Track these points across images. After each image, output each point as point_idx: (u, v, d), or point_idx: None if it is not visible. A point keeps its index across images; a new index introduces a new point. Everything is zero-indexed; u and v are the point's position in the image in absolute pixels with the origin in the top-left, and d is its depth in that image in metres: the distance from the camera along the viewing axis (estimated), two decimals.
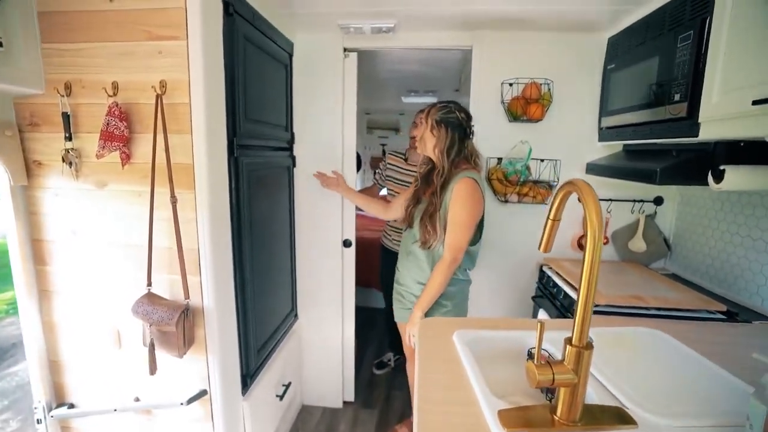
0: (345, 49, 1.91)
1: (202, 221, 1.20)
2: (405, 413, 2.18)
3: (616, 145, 1.82)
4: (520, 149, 1.86)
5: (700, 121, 1.14)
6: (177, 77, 1.13)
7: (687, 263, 1.76)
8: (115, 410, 1.32)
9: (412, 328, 1.43)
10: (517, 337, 1.12)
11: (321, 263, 2.09)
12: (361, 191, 2.58)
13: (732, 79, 1.02)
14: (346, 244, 2.07)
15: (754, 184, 1.13)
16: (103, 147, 1.11)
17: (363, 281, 2.88)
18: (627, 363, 0.97)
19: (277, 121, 1.74)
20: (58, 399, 1.39)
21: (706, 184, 1.22)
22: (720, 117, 1.07)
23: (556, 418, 0.74)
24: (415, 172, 2.15)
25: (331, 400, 2.24)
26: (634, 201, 1.88)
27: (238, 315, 1.42)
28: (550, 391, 0.90)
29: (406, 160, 2.21)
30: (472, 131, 1.47)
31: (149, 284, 1.22)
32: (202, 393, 1.31)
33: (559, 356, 1.00)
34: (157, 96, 1.12)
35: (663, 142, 1.41)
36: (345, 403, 2.27)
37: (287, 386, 1.86)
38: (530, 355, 1.02)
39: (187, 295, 1.21)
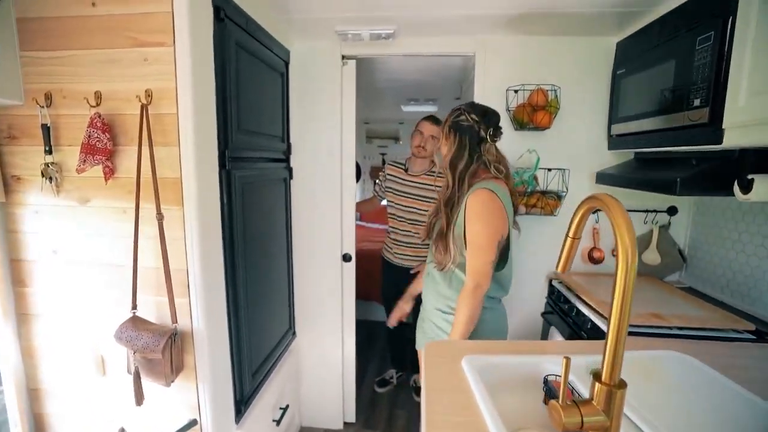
0: (343, 57, 1.85)
1: (191, 239, 1.12)
2: None
3: (626, 154, 1.74)
4: (527, 159, 1.79)
5: (723, 127, 1.06)
6: (164, 86, 1.06)
7: (705, 276, 1.67)
8: None
9: None
10: (531, 363, 1.03)
11: (320, 279, 2.00)
12: (361, 203, 2.51)
13: (761, 80, 0.95)
14: (346, 258, 1.99)
15: None
16: (84, 161, 1.04)
17: (363, 294, 2.80)
18: (658, 396, 0.88)
19: (272, 132, 1.67)
20: (38, 431, 1.29)
21: (731, 194, 1.14)
22: (746, 122, 1.00)
23: None
24: (416, 183, 2.08)
25: (331, 421, 2.14)
26: (647, 211, 1.80)
27: (231, 338, 1.33)
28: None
29: (406, 170, 2.14)
30: (493, 133, 1.23)
31: (134, 307, 1.13)
32: (192, 423, 1.21)
33: (579, 384, 0.91)
34: (143, 106, 1.04)
35: (679, 150, 1.33)
36: (346, 424, 2.17)
37: (285, 409, 1.76)
38: (546, 383, 0.93)
39: (174, 319, 1.12)
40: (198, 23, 1.08)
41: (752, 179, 1.04)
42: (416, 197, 2.08)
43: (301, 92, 1.86)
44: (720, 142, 1.08)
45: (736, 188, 1.10)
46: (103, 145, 1.05)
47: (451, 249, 1.21)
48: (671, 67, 1.29)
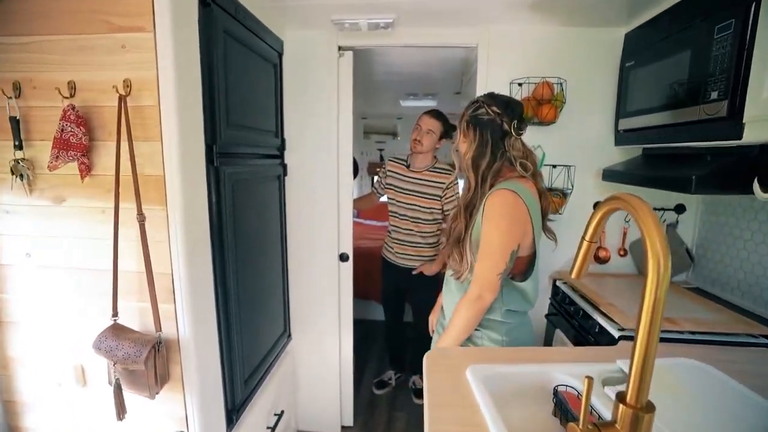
0: (339, 48, 1.76)
1: (176, 241, 1.04)
2: None
3: (634, 150, 1.68)
4: None
5: (744, 121, 1.00)
6: (143, 75, 0.97)
7: (714, 277, 1.61)
8: None
9: None
10: (539, 372, 0.97)
11: (316, 280, 1.93)
12: (357, 200, 2.42)
13: None
14: (343, 258, 1.91)
15: None
16: (57, 157, 0.95)
17: (361, 292, 2.73)
18: (674, 408, 0.82)
19: (265, 126, 1.59)
20: None
21: (749, 192, 1.08)
22: None
23: None
24: (418, 179, 2.00)
25: (328, 425, 2.08)
26: (654, 209, 1.73)
27: (221, 344, 1.26)
28: None
29: (408, 166, 2.06)
30: (517, 126, 1.11)
31: (115, 314, 1.05)
32: None
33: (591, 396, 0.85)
34: (121, 97, 0.96)
35: (691, 146, 1.27)
36: (344, 428, 2.11)
37: (280, 415, 1.70)
38: (556, 395, 0.87)
39: (158, 327, 1.05)
40: (180, 7, 0.99)
41: None
42: (418, 194, 2.00)
43: (295, 85, 1.78)
44: (740, 137, 1.01)
45: (756, 186, 1.04)
46: (77, 140, 0.97)
47: (468, 257, 1.09)
48: (685, 58, 1.22)
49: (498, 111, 1.10)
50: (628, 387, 0.58)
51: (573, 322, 1.53)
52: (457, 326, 1.10)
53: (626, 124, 1.58)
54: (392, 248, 2.12)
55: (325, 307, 1.97)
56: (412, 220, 2.02)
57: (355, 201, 2.32)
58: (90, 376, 1.15)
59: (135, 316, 1.09)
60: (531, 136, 1.73)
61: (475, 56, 1.78)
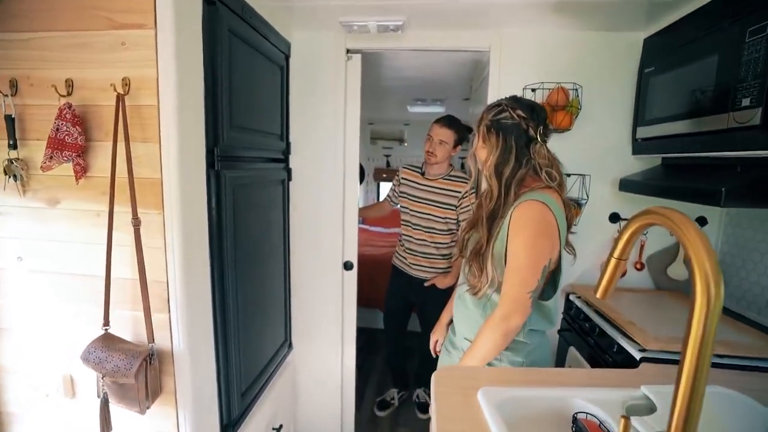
0: (348, 50, 1.72)
1: (172, 247, 0.99)
2: None
3: (652, 159, 1.61)
4: None
5: None
6: (143, 74, 0.93)
7: (738, 295, 1.52)
8: None
9: None
10: (557, 397, 0.89)
11: (319, 288, 1.87)
12: (365, 208, 2.32)
13: None
14: (347, 266, 1.85)
15: None
16: (51, 157, 0.91)
17: (364, 301, 2.66)
18: None
19: (270, 129, 1.54)
20: None
21: None
22: None
23: None
24: (433, 187, 1.91)
25: None
26: None
27: (218, 356, 1.20)
28: None
29: (423, 174, 1.97)
30: (543, 131, 1.04)
31: (106, 323, 1.00)
32: None
33: (611, 423, 0.78)
34: (119, 96, 0.92)
35: (715, 156, 1.20)
36: None
37: (278, 429, 1.63)
38: (575, 422, 0.80)
39: (151, 338, 1.00)
40: (184, 4, 0.95)
41: None
42: (433, 203, 1.91)
43: (301, 88, 1.74)
44: None
45: None
46: (73, 140, 0.93)
47: (489, 270, 1.01)
48: (712, 64, 1.15)
49: (523, 115, 1.02)
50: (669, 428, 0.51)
51: (588, 339, 1.45)
52: (480, 350, 1.01)
53: (645, 132, 1.52)
54: (406, 259, 2.02)
55: (327, 317, 1.90)
56: (425, 230, 1.93)
57: (364, 209, 2.25)
58: (79, 388, 1.10)
59: (127, 325, 1.03)
60: None
61: (486, 61, 1.73)
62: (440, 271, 1.96)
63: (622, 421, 0.51)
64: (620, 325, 1.29)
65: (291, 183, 1.77)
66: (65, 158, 0.93)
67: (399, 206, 2.07)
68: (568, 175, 1.66)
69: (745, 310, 1.48)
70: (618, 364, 1.24)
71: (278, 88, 1.61)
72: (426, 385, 2.41)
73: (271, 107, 1.55)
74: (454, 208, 1.88)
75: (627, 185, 1.57)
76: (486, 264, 1.01)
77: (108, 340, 0.98)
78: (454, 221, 1.90)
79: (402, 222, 2.03)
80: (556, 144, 1.64)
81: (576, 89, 1.60)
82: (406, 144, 4.94)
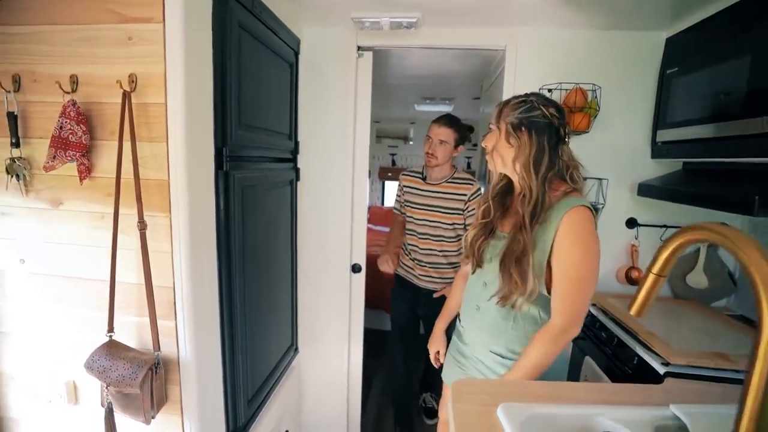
0: (359, 48, 1.68)
1: (179, 252, 0.95)
2: None
3: (672, 164, 1.56)
4: None
5: None
6: (150, 70, 0.89)
7: None
8: None
9: None
10: (581, 415, 0.85)
11: (326, 291, 1.84)
12: (391, 233, 2.10)
13: None
14: (356, 269, 1.81)
15: None
16: (54, 157, 0.87)
17: (369, 302, 2.61)
18: None
19: (278, 128, 1.50)
20: None
21: None
22: None
23: None
24: (436, 192, 1.80)
25: None
26: None
27: (225, 363, 1.16)
28: None
29: (424, 179, 1.85)
30: (567, 133, 1.01)
31: (110, 330, 0.96)
32: None
33: None
34: (125, 93, 0.88)
35: (742, 162, 1.15)
36: None
37: None
38: None
39: (157, 346, 0.96)
40: None
41: None
42: (438, 209, 1.78)
43: (310, 86, 1.69)
44: None
45: None
46: (77, 139, 0.89)
47: (530, 279, 0.95)
48: (744, 65, 1.10)
49: (556, 114, 0.98)
50: None
51: (605, 349, 1.40)
52: (535, 363, 0.98)
53: (665, 135, 1.47)
54: (413, 269, 1.88)
55: (334, 320, 1.87)
56: (433, 238, 1.81)
57: (391, 234, 2.07)
58: (82, 394, 1.06)
59: (132, 331, 1.00)
60: None
61: (499, 59, 1.68)
62: (449, 281, 1.83)
63: None
64: (640, 336, 1.24)
65: (299, 183, 1.73)
66: (69, 158, 0.89)
67: (406, 216, 1.92)
68: (585, 179, 1.61)
69: None
70: (638, 377, 1.19)
71: (287, 86, 1.56)
72: (432, 390, 2.36)
73: (279, 105, 1.50)
74: (461, 213, 1.77)
75: (646, 190, 1.52)
76: (527, 272, 0.95)
77: (112, 348, 0.94)
78: (462, 226, 1.78)
79: (407, 231, 1.90)
80: (572, 146, 1.59)
81: (594, 90, 1.54)
82: (411, 143, 4.89)
